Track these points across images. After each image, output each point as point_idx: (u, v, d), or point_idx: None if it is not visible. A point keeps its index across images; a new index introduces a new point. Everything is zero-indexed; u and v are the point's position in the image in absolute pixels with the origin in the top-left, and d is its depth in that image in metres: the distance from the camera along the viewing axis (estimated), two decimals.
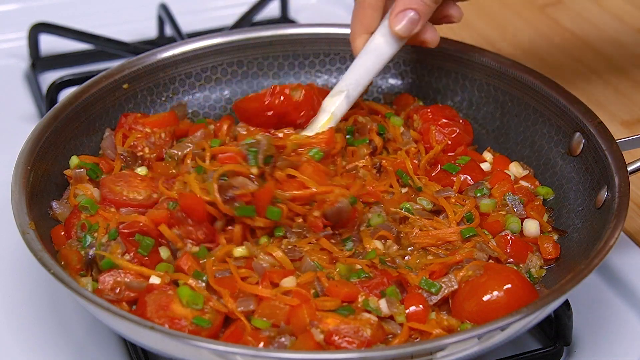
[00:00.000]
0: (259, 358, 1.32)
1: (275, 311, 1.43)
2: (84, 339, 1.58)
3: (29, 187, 1.56)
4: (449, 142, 1.75)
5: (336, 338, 1.39)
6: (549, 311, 1.46)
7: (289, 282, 1.48)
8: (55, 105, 1.71)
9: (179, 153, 1.72)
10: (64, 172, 1.67)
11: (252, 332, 1.42)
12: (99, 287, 1.47)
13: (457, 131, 1.76)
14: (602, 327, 1.61)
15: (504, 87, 1.82)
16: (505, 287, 1.45)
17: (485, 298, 1.45)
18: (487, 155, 1.76)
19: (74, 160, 1.68)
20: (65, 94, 1.84)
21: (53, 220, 1.61)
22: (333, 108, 1.69)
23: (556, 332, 1.54)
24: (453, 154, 1.75)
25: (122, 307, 1.46)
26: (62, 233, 1.57)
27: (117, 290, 1.47)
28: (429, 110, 1.79)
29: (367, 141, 1.73)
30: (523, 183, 1.70)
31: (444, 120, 1.77)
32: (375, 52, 1.68)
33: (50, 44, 2.18)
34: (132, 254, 1.51)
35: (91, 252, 1.51)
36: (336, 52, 1.92)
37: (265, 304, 1.44)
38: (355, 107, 1.79)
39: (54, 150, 1.67)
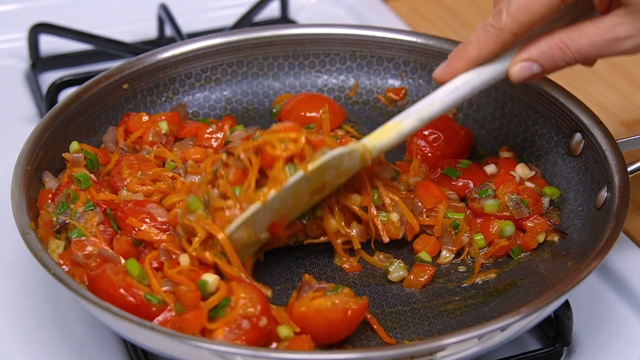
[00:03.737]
0: (259, 358, 1.32)
1: (183, 298, 1.44)
2: (84, 339, 1.58)
3: (29, 187, 1.57)
4: (430, 154, 1.74)
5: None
6: (549, 311, 1.46)
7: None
8: (55, 106, 1.71)
9: (178, 150, 1.73)
10: (63, 154, 1.67)
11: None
12: (71, 248, 1.49)
13: (441, 139, 1.75)
14: (602, 327, 1.61)
15: (504, 87, 1.81)
16: None
17: None
18: (504, 154, 1.76)
19: (74, 145, 1.69)
20: (65, 94, 1.85)
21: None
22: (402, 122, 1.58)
23: (556, 332, 1.54)
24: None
25: (84, 273, 1.47)
26: (49, 196, 1.59)
27: (87, 253, 1.49)
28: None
29: None
30: (528, 184, 1.70)
31: (430, 130, 1.75)
32: (466, 85, 1.56)
33: (50, 44, 2.18)
34: (106, 225, 1.54)
35: (62, 218, 1.54)
36: (336, 52, 1.92)
37: (179, 288, 1.44)
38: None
39: (54, 151, 1.67)
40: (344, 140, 1.60)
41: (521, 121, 1.79)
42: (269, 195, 1.48)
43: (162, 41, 2.22)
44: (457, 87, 1.57)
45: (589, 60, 1.53)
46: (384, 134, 1.58)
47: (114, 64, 1.86)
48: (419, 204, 1.64)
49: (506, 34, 1.49)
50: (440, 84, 1.58)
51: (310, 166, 1.49)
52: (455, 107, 1.60)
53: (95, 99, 1.76)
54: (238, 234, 1.49)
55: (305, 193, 1.53)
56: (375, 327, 1.50)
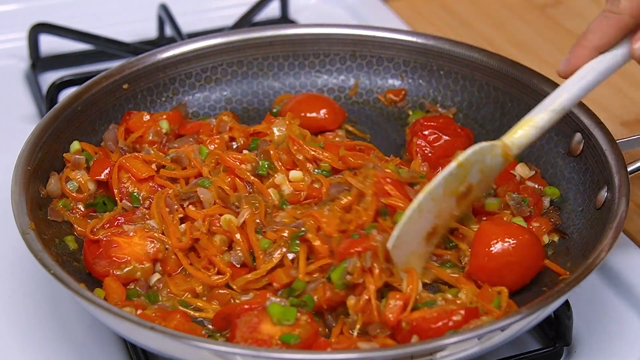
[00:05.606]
0: (259, 358, 1.32)
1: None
2: (84, 339, 1.58)
3: (29, 187, 1.57)
4: (430, 154, 1.75)
5: None
6: (549, 311, 1.46)
7: None
8: (55, 106, 1.71)
9: (178, 147, 1.72)
10: (64, 155, 1.67)
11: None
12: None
13: (441, 139, 1.75)
14: (602, 327, 1.61)
15: (504, 87, 1.82)
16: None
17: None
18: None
19: (75, 145, 1.69)
20: (65, 94, 1.85)
21: (52, 220, 1.61)
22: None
23: (556, 332, 1.54)
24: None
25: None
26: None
27: None
28: (421, 120, 1.79)
29: None
30: (529, 183, 1.70)
31: (430, 130, 1.76)
32: (592, 72, 1.57)
33: (50, 44, 2.18)
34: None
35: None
36: (336, 52, 1.92)
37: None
38: None
39: (54, 151, 1.67)
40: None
41: None
42: (420, 196, 1.50)
43: (162, 41, 2.22)
44: (582, 76, 1.57)
45: None
46: (519, 129, 1.59)
47: (114, 64, 1.86)
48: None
49: (625, 17, 1.52)
50: (565, 78, 1.59)
51: (460, 159, 1.52)
52: (584, 95, 1.59)
53: (95, 99, 1.76)
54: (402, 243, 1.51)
55: (452, 196, 1.55)
56: None
